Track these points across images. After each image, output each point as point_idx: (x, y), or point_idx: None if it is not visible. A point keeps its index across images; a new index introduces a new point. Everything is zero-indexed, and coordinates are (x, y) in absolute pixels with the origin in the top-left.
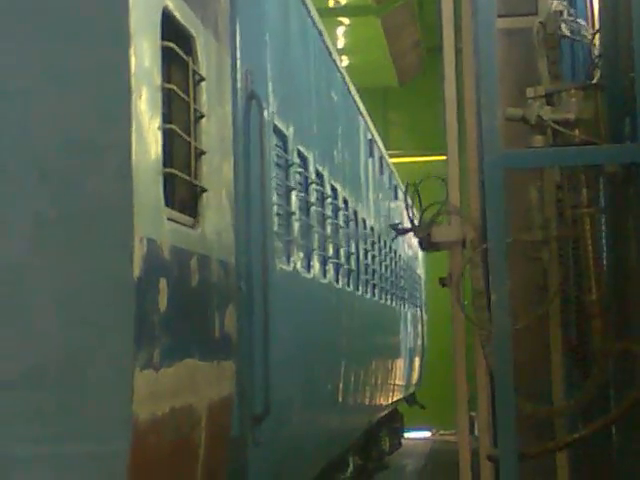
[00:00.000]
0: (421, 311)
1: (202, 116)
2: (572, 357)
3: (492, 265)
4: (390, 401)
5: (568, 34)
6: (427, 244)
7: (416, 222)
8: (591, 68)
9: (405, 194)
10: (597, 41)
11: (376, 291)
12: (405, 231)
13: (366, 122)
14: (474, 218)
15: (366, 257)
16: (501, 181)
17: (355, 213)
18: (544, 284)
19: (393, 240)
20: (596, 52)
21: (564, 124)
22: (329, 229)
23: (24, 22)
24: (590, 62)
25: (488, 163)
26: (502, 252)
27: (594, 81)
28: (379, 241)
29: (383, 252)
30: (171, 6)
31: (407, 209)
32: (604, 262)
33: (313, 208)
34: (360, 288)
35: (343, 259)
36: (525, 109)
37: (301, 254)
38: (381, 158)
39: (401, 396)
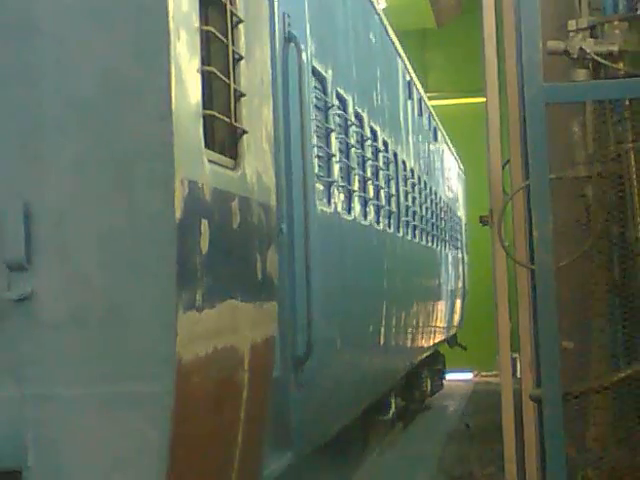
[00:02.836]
0: (462, 253)
1: (241, 58)
2: (616, 295)
3: (535, 202)
4: (431, 343)
5: None
6: None
7: None
8: (634, 0)
9: None
10: None
11: (417, 233)
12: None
13: (404, 64)
14: (516, 161)
15: (406, 199)
16: (543, 116)
17: (395, 155)
18: (587, 221)
19: (433, 181)
20: None
21: (607, 57)
22: (369, 171)
23: None
24: None
25: (529, 98)
26: (545, 189)
27: (639, 12)
28: (419, 182)
29: (423, 194)
30: None
31: None
32: None
33: (353, 150)
34: (401, 230)
35: (384, 201)
36: (567, 42)
37: (342, 196)
38: (420, 100)
39: (443, 338)
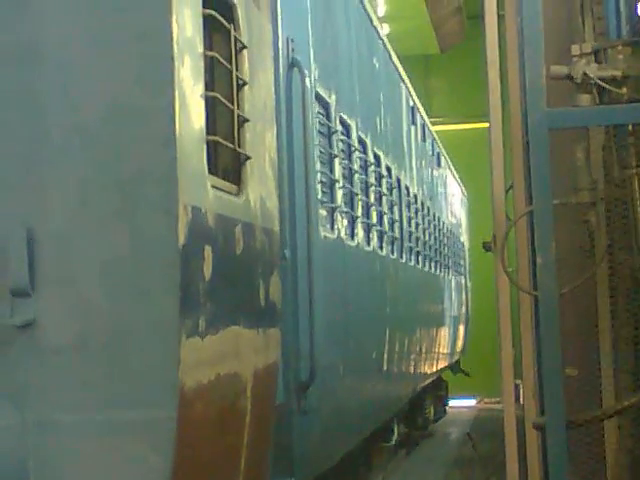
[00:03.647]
0: (465, 279)
1: (244, 84)
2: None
3: (538, 228)
4: (435, 369)
5: None
6: None
7: None
8: (638, 25)
9: None
10: None
11: (420, 258)
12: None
13: (408, 89)
14: (519, 186)
15: (409, 224)
16: (546, 141)
17: (398, 180)
18: (591, 247)
19: (436, 207)
20: None
21: (611, 82)
22: (372, 197)
23: None
24: (636, 19)
25: (532, 123)
26: (548, 214)
27: None
28: (422, 208)
29: (426, 219)
30: None
31: None
32: None
33: (356, 176)
34: (404, 255)
35: (387, 226)
36: (570, 67)
37: (345, 222)
38: (423, 125)
39: (446, 364)
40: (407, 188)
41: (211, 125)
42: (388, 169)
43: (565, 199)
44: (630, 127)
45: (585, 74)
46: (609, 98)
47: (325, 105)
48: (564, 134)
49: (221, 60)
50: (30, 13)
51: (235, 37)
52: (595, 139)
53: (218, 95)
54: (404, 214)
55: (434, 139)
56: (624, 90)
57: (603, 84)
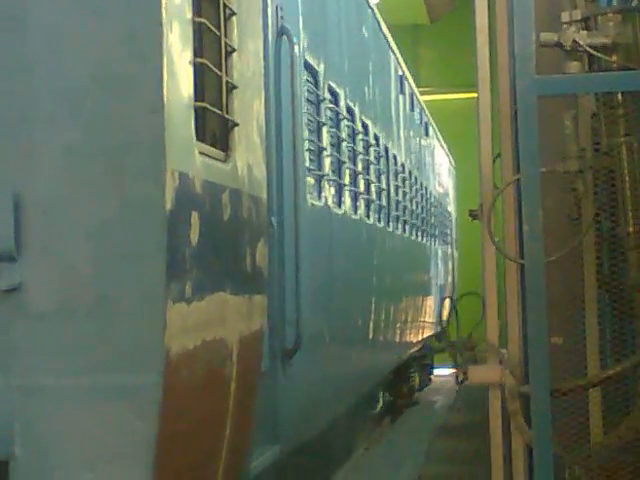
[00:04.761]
0: (452, 248)
1: (233, 50)
2: (605, 291)
3: (525, 196)
4: (420, 338)
5: None
6: None
7: None
8: None
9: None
10: None
11: (407, 227)
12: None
13: (397, 59)
14: (507, 154)
15: (397, 193)
16: (534, 109)
17: (386, 149)
18: (578, 216)
19: (424, 176)
20: None
21: (601, 49)
22: (360, 165)
23: None
24: None
25: (521, 90)
26: (535, 182)
27: (633, 4)
28: (410, 177)
29: (414, 188)
30: None
31: None
32: None
33: (344, 144)
34: (391, 224)
35: (374, 195)
36: (560, 34)
37: (332, 190)
38: (412, 95)
39: (431, 333)
40: (395, 157)
41: (199, 92)
42: (376, 138)
43: (552, 167)
44: (619, 95)
45: (575, 41)
46: (599, 66)
47: (314, 73)
48: (553, 102)
49: (210, 26)
50: None
51: (224, 3)
52: (584, 107)
53: (206, 62)
54: (391, 183)
55: (422, 109)
56: (614, 58)
57: (593, 52)
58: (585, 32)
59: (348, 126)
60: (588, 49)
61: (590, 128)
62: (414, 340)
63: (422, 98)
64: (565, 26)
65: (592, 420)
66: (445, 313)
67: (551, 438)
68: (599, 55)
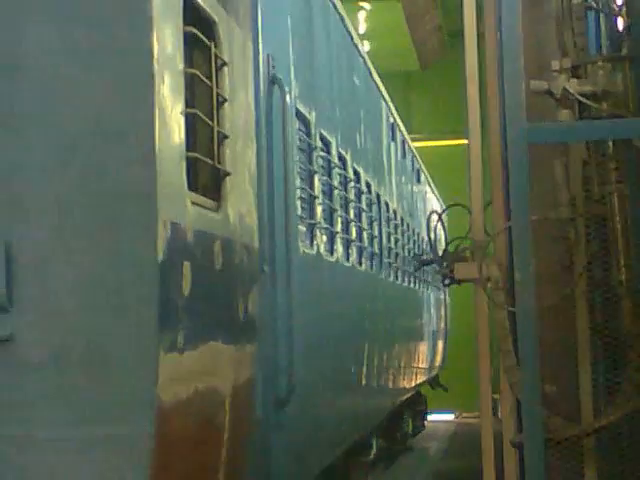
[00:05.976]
0: (444, 294)
1: (225, 101)
2: (599, 340)
3: (516, 244)
4: (413, 384)
5: (594, 5)
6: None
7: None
8: (618, 40)
9: (427, 223)
10: (624, 12)
11: (399, 274)
12: (429, 262)
13: (388, 106)
14: (498, 202)
15: (389, 240)
16: (525, 157)
17: (378, 196)
18: (570, 264)
19: (416, 223)
20: (623, 24)
21: (591, 97)
22: (352, 212)
23: (50, 6)
24: (617, 34)
25: (512, 138)
26: (526, 230)
27: (622, 53)
28: (402, 224)
29: (406, 235)
30: None
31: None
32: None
33: (336, 192)
34: (383, 271)
35: (366, 242)
36: (550, 82)
37: (324, 237)
38: (403, 142)
39: (424, 379)
40: (387, 204)
41: (191, 142)
42: (368, 185)
43: (544, 215)
44: (610, 143)
45: (565, 89)
46: (589, 114)
47: (305, 122)
48: (544, 149)
49: (201, 77)
50: (11, 27)
51: (216, 54)
52: (575, 154)
53: (198, 112)
54: (383, 230)
55: (414, 155)
56: (604, 106)
57: (583, 99)
58: (575, 80)
59: (340, 174)
60: (578, 97)
61: (581, 175)
62: (407, 386)
63: (414, 144)
64: (555, 74)
65: (586, 469)
66: (438, 359)
67: None
68: (589, 103)
